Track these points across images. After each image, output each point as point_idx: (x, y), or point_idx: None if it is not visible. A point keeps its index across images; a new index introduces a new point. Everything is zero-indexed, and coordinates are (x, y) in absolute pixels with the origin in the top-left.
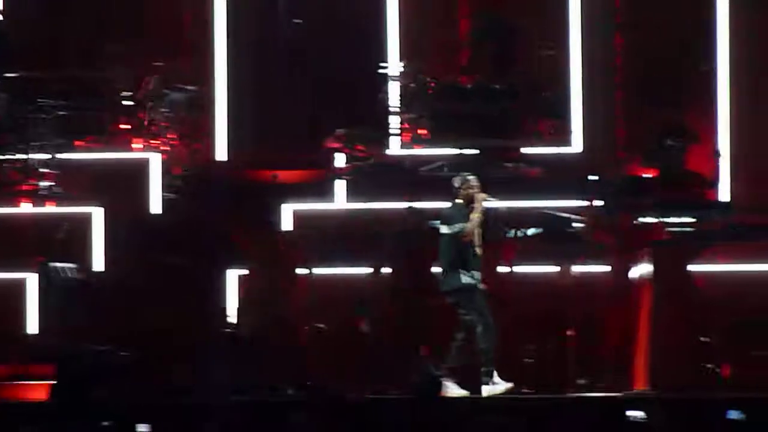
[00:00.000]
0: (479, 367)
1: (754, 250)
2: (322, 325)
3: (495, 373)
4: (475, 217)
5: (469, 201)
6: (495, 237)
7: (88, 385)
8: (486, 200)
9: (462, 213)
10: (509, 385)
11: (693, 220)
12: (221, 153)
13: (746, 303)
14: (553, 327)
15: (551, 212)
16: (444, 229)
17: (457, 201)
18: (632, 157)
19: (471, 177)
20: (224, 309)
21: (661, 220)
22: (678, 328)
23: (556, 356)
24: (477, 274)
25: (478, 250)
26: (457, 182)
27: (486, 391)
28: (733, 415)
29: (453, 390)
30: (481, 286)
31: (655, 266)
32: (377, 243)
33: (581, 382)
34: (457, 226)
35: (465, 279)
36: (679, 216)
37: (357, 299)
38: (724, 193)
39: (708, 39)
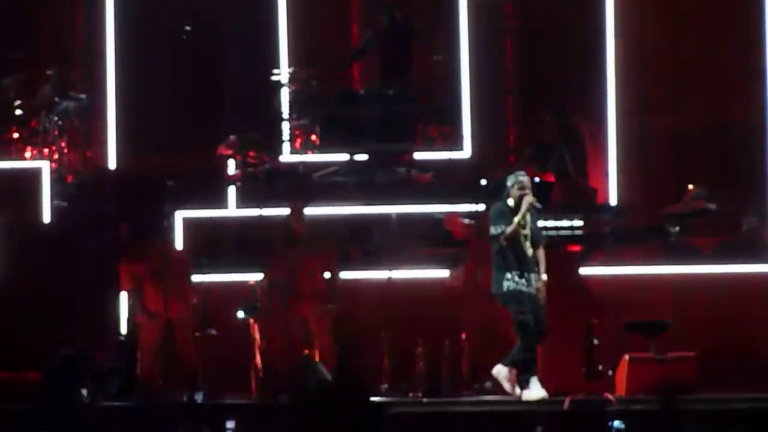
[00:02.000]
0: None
1: (644, 252)
2: (213, 331)
3: (534, 379)
4: (516, 220)
5: (518, 202)
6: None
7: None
8: (533, 204)
9: (504, 214)
10: (543, 393)
11: (582, 223)
12: (113, 161)
13: (636, 305)
14: (446, 331)
15: (442, 216)
16: (491, 230)
17: (508, 201)
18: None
19: (524, 178)
20: (117, 317)
21: (552, 224)
22: (569, 331)
23: (451, 361)
24: (525, 277)
25: (529, 252)
26: (509, 181)
27: (523, 396)
28: (617, 424)
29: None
30: (532, 289)
31: (546, 269)
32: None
33: (477, 386)
34: (497, 229)
35: (506, 284)
36: (569, 219)
37: (241, 303)
38: (613, 197)
39: (597, 42)
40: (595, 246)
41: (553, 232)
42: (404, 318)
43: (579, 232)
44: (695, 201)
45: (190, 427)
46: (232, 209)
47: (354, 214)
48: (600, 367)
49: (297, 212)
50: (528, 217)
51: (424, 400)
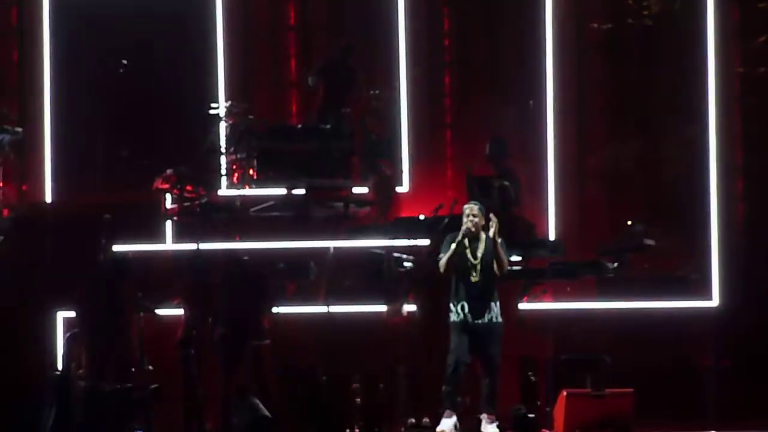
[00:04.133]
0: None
1: (581, 287)
2: (149, 367)
3: (447, 413)
4: (452, 247)
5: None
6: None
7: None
8: (467, 234)
9: (449, 243)
10: (450, 427)
11: (520, 258)
12: (49, 195)
13: (574, 340)
14: (382, 366)
15: (380, 251)
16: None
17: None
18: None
19: (468, 206)
20: (53, 352)
21: None
22: (506, 366)
23: (386, 396)
24: (472, 309)
25: (473, 280)
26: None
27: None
28: None
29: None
30: (485, 320)
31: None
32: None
33: (412, 421)
34: (439, 257)
35: (451, 316)
36: (508, 255)
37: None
38: (551, 232)
39: (536, 79)
40: (533, 281)
41: None
42: (341, 353)
43: (517, 268)
44: (633, 237)
45: None
46: (169, 244)
47: (291, 249)
48: (538, 403)
49: None
50: (482, 246)
51: None
